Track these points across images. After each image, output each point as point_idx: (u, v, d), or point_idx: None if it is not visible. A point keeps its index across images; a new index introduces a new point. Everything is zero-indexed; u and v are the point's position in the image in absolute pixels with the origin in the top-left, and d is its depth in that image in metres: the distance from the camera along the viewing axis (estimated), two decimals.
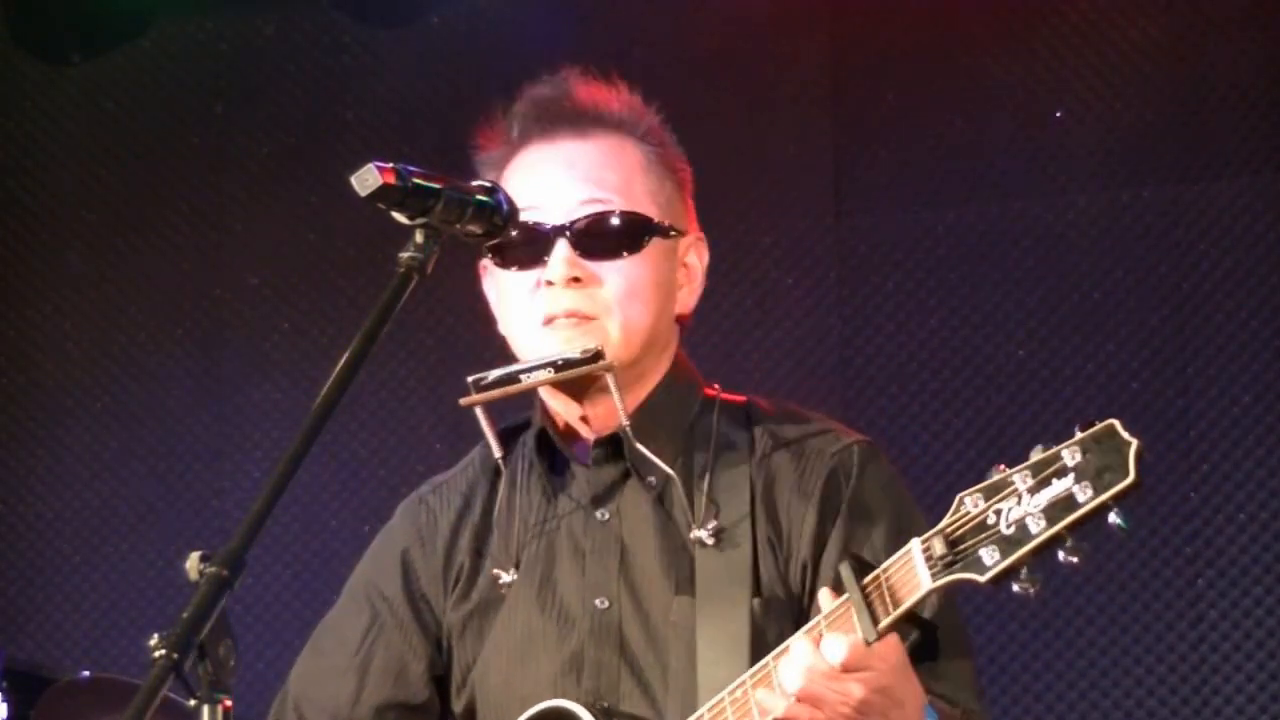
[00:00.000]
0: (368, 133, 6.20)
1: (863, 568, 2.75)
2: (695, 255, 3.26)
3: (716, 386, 3.25)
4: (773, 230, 5.94)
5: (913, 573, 2.69)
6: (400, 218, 2.78)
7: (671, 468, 3.12)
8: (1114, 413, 5.89)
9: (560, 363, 3.09)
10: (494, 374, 3.16)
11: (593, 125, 3.23)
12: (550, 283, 3.12)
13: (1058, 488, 2.59)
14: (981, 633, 5.59)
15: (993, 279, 5.78)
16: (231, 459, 6.23)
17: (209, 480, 6.24)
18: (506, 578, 3.17)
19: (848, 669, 2.74)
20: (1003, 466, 2.65)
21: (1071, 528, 2.59)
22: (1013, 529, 2.62)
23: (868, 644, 2.72)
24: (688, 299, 3.25)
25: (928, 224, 5.84)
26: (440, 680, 3.26)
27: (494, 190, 2.87)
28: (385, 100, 6.23)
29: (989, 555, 2.63)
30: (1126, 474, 2.56)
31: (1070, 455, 2.59)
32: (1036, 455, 2.63)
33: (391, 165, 2.74)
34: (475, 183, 2.87)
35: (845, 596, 2.75)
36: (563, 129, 3.22)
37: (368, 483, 6.01)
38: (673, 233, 3.21)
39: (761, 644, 2.99)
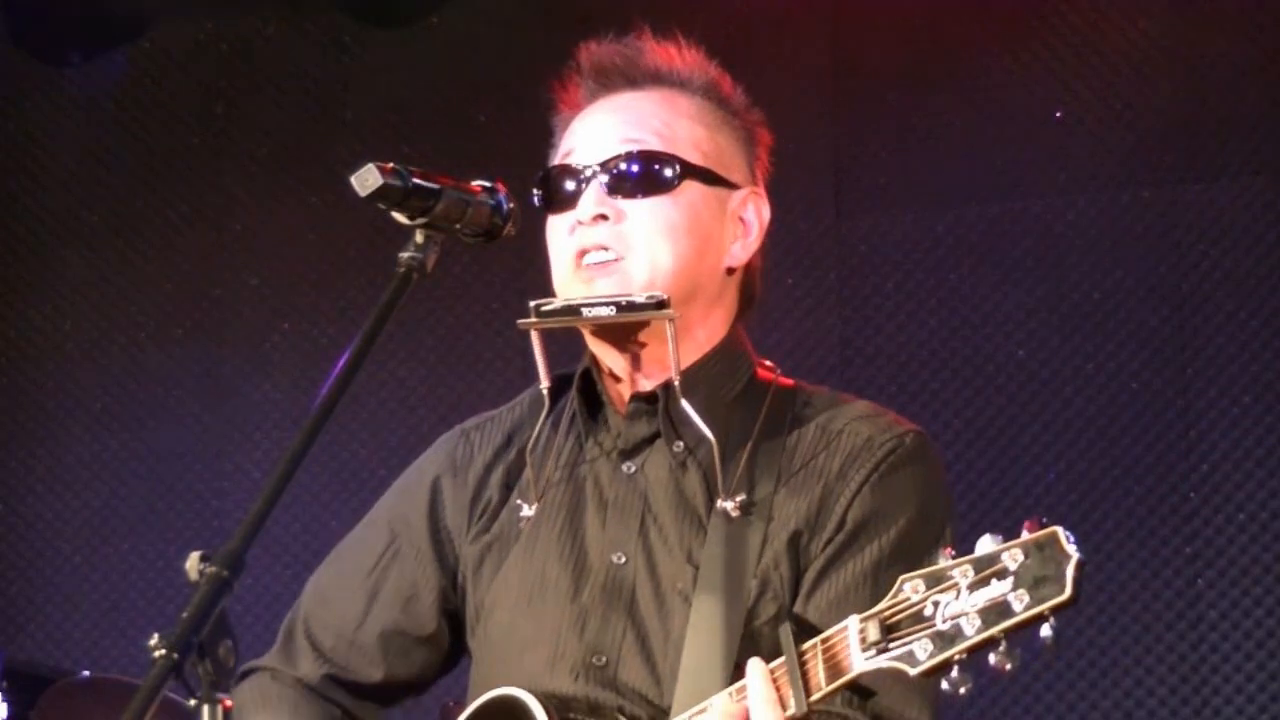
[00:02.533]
0: (368, 133, 6.20)
1: (803, 632, 2.76)
2: (754, 211, 3.22)
3: (771, 367, 3.23)
4: (773, 231, 5.92)
5: (846, 652, 2.71)
6: (400, 218, 2.78)
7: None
8: (1114, 413, 5.90)
9: (625, 303, 3.06)
10: (557, 303, 3.11)
11: (649, 80, 3.22)
12: (581, 221, 3.11)
13: (995, 590, 2.59)
14: None
15: (993, 279, 5.78)
16: (231, 459, 6.23)
17: (209, 480, 6.24)
18: (527, 511, 3.15)
19: None
20: (950, 552, 2.65)
21: (1004, 633, 2.59)
22: (948, 625, 2.62)
23: (799, 717, 2.74)
24: (740, 253, 3.20)
25: (928, 224, 5.85)
26: (453, 616, 3.24)
27: (494, 190, 2.87)
28: (385, 100, 6.23)
29: (921, 649, 2.64)
30: (1062, 589, 2.56)
31: (1011, 558, 2.59)
32: (982, 549, 2.62)
33: (391, 165, 2.74)
34: (475, 183, 2.87)
35: (781, 660, 2.76)
36: (620, 84, 3.22)
37: (368, 483, 6.01)
38: (717, 181, 3.18)
39: (758, 623, 2.99)
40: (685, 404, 3.07)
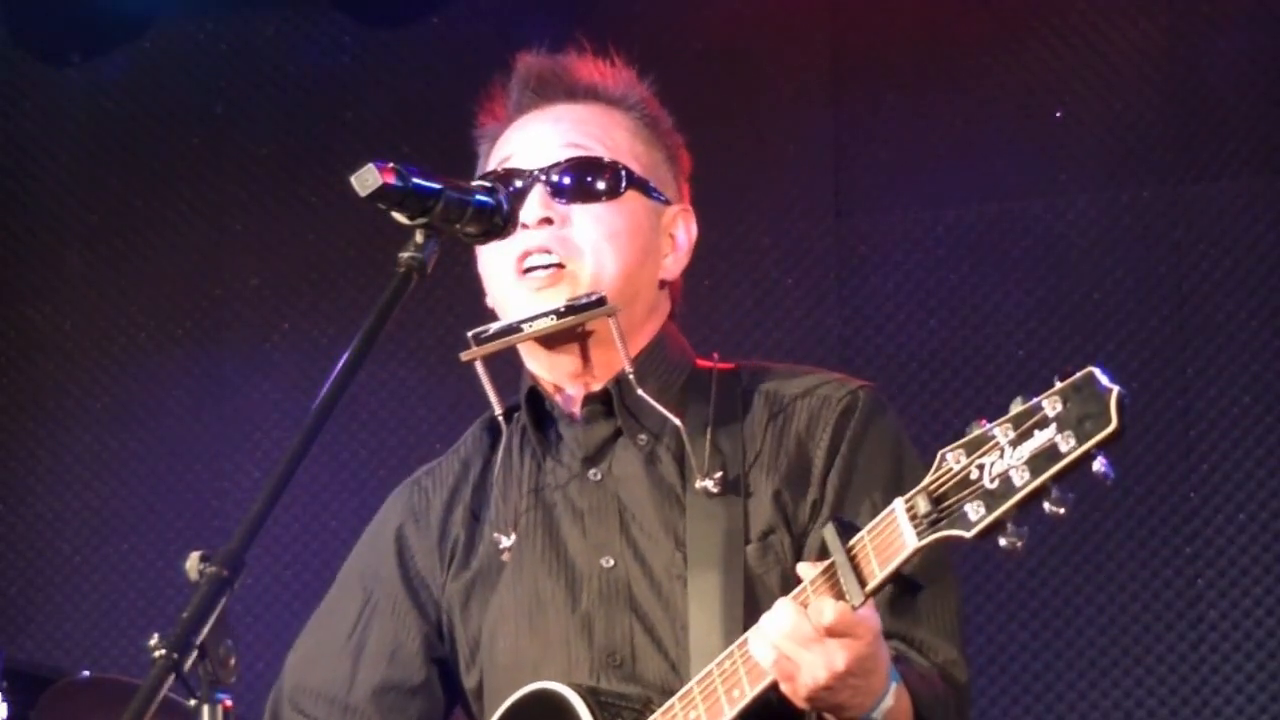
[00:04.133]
0: (368, 133, 6.20)
1: (846, 530, 2.74)
2: (684, 227, 3.26)
3: (715, 356, 3.26)
4: (773, 230, 5.93)
5: (897, 532, 2.68)
6: (400, 218, 2.78)
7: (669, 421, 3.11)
8: None
9: (563, 309, 3.09)
10: (495, 326, 3.14)
11: (585, 94, 3.25)
12: (525, 225, 3.11)
13: (1040, 439, 2.56)
14: (981, 633, 5.59)
15: (993, 279, 5.78)
16: (231, 459, 6.23)
17: (209, 480, 6.24)
18: (506, 542, 3.16)
19: (833, 633, 2.73)
20: (984, 420, 2.64)
21: (1056, 478, 2.56)
22: (996, 483, 2.59)
23: (854, 608, 2.72)
24: (673, 267, 3.25)
25: (928, 224, 5.84)
26: (442, 663, 3.25)
27: (494, 190, 2.87)
28: (385, 100, 6.23)
29: (974, 510, 2.61)
30: (1108, 421, 2.53)
31: (1050, 405, 2.56)
32: (1017, 407, 2.61)
33: (391, 165, 2.75)
34: (475, 182, 2.88)
35: (830, 560, 2.74)
36: (556, 96, 3.24)
37: (368, 483, 6.01)
38: (655, 194, 3.21)
39: (760, 591, 2.99)
40: (643, 393, 3.09)
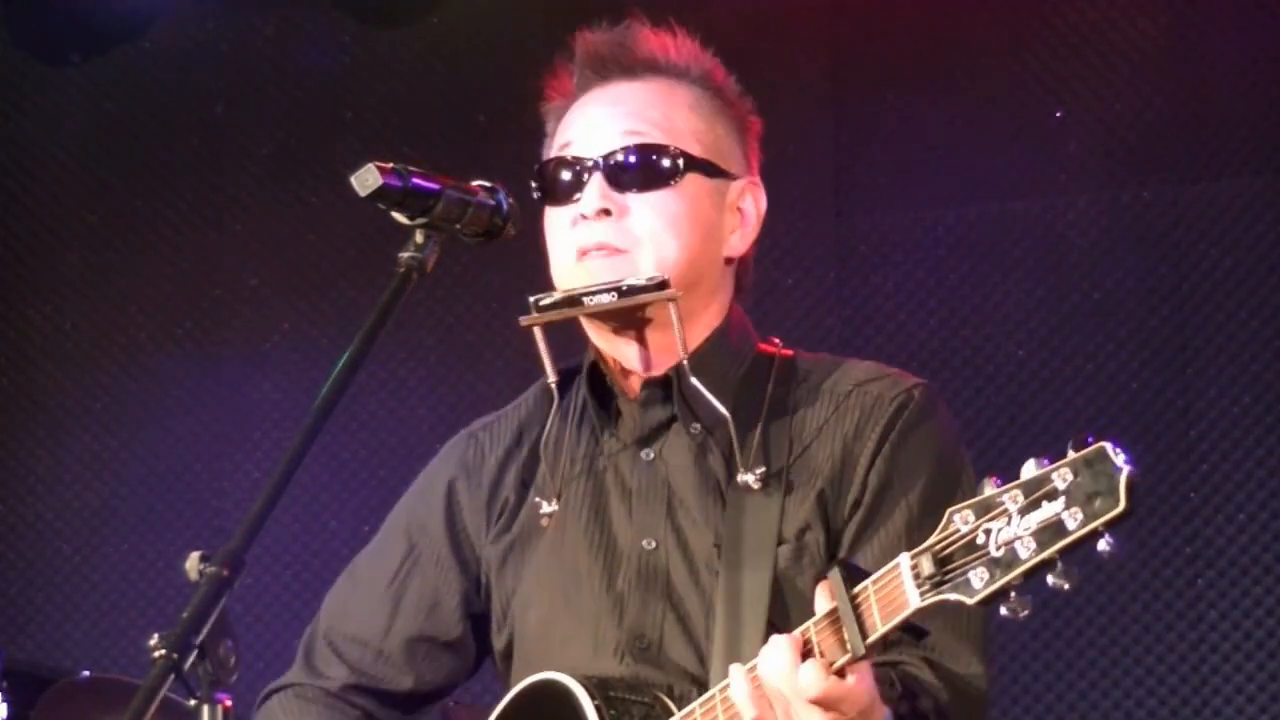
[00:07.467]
0: (368, 133, 6.20)
1: (852, 575, 2.72)
2: (751, 200, 3.22)
3: (776, 341, 3.23)
4: (773, 230, 5.92)
5: (900, 590, 2.67)
6: (400, 218, 2.79)
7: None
8: (1114, 413, 5.90)
9: (625, 288, 3.05)
10: (556, 295, 3.10)
11: (645, 69, 3.19)
12: (584, 216, 3.10)
13: (1047, 511, 2.55)
14: None
15: (993, 279, 5.78)
16: (231, 459, 6.23)
17: (209, 480, 6.24)
18: (548, 508, 3.15)
19: (818, 703, 2.73)
20: (996, 480, 2.62)
21: (1061, 553, 2.56)
22: (1002, 551, 2.58)
23: (856, 659, 2.71)
24: (739, 243, 3.21)
25: (928, 224, 5.84)
26: (477, 619, 3.25)
27: (494, 190, 2.87)
28: (385, 100, 6.23)
29: (978, 577, 2.60)
30: (1117, 502, 2.53)
31: (1060, 478, 2.55)
32: (1028, 474, 2.58)
33: (391, 165, 2.75)
34: (475, 183, 2.87)
35: (833, 605, 2.74)
36: (616, 74, 3.19)
37: (368, 483, 6.01)
38: (717, 172, 3.17)
39: (789, 592, 2.98)
40: (696, 381, 3.07)
